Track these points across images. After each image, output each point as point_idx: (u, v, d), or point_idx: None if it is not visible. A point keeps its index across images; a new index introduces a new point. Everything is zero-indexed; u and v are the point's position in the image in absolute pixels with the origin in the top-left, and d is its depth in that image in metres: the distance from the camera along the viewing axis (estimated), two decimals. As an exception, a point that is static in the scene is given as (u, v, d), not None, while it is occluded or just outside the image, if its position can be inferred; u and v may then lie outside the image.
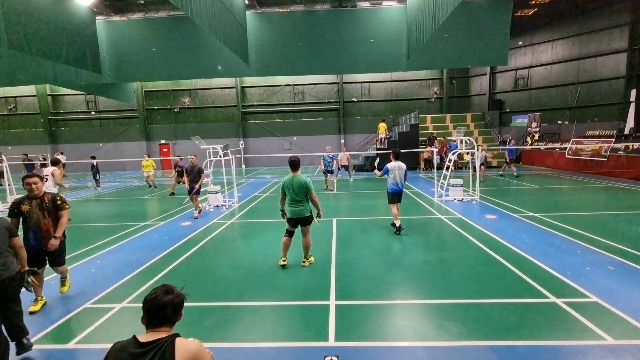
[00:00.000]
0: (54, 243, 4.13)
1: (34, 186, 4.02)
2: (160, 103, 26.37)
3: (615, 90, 19.17)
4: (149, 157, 15.78)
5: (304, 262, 5.47)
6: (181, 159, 14.76)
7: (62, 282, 4.66)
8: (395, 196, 7.13)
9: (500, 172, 16.21)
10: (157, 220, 9.02)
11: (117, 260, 6.02)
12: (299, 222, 5.27)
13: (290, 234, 5.39)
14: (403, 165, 7.04)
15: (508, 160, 15.67)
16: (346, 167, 15.74)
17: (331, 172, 13.30)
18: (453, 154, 10.90)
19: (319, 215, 5.37)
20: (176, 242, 6.93)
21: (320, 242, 6.65)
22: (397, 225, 6.96)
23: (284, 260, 5.40)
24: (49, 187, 9.04)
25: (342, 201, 11.11)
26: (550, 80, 22.01)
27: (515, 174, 15.47)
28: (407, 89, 25.90)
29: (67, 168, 23.17)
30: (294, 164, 5.18)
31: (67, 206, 4.24)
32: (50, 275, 4.91)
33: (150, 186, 15.20)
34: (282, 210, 5.36)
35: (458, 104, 25.93)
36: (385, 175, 7.12)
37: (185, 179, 9.30)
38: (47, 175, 9.22)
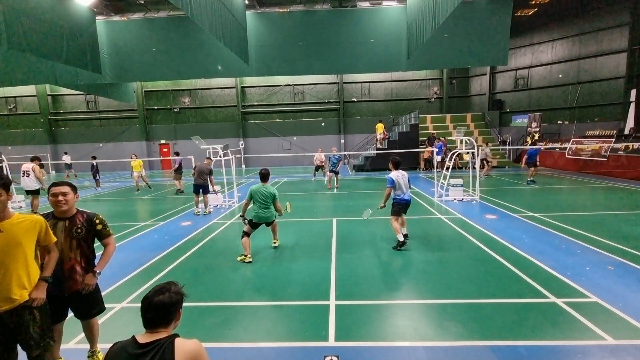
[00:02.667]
0: (91, 282, 2.79)
1: (61, 198, 2.66)
2: (160, 103, 26.37)
3: (615, 90, 19.18)
4: (136, 157, 14.93)
5: (274, 242, 6.44)
6: (177, 153, 14.55)
7: (92, 356, 3.15)
8: (402, 208, 6.31)
9: (529, 179, 13.50)
10: (157, 220, 9.01)
11: (117, 260, 6.00)
12: (266, 224, 6.03)
13: (248, 235, 5.85)
14: (405, 174, 6.43)
15: (524, 164, 13.66)
16: (322, 168, 15.88)
17: (337, 172, 13.27)
18: (452, 154, 10.88)
19: (279, 215, 6.08)
20: (176, 242, 6.93)
21: (320, 242, 6.66)
22: (402, 238, 6.17)
23: (249, 258, 5.72)
24: (32, 184, 9.75)
25: (342, 201, 11.11)
26: (550, 80, 22.02)
27: (529, 178, 13.40)
28: (407, 89, 25.90)
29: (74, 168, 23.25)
30: (265, 176, 5.89)
31: (111, 232, 2.98)
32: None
33: (138, 189, 14.44)
34: (242, 215, 5.87)
35: (458, 104, 25.93)
36: (392, 189, 6.28)
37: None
38: (28, 171, 9.58)
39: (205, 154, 10.72)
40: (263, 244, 6.59)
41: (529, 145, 20.30)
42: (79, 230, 2.75)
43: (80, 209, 2.89)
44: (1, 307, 2.26)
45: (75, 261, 2.76)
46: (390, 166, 6.48)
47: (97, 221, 2.87)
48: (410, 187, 6.49)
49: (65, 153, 23.11)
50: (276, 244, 6.43)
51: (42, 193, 9.52)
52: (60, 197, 2.68)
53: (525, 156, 13.92)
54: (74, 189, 2.80)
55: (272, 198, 5.81)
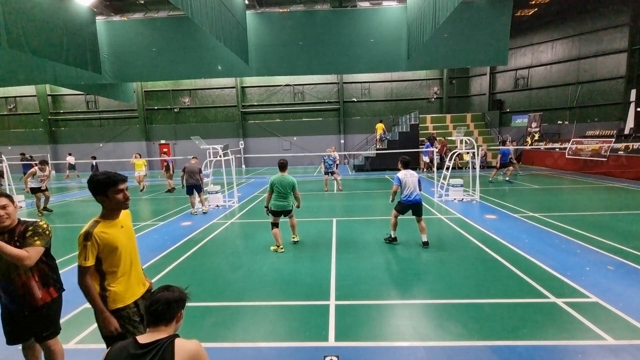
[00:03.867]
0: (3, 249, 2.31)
1: (2, 213, 2.40)
2: (160, 103, 26.37)
3: (615, 90, 19.18)
4: (140, 156, 14.78)
5: (293, 237, 6.61)
6: (164, 152, 15.02)
7: None
8: (409, 207, 6.22)
9: (490, 179, 14.11)
10: (157, 220, 9.01)
11: (117, 260, 6.00)
12: (283, 213, 6.17)
13: (277, 225, 6.22)
14: (415, 174, 6.25)
15: (498, 165, 13.75)
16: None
17: (332, 172, 13.27)
18: (452, 154, 10.87)
19: (297, 206, 6.29)
20: (176, 242, 6.93)
21: (320, 242, 6.66)
22: (394, 235, 6.38)
23: (282, 248, 6.16)
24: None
25: (342, 201, 11.11)
26: (550, 80, 22.02)
27: (507, 178, 13.61)
28: (407, 89, 25.91)
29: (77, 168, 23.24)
30: (283, 166, 6.08)
31: (38, 242, 2.44)
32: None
33: (142, 189, 14.06)
34: (267, 207, 6.13)
35: (458, 104, 25.94)
36: (399, 187, 6.22)
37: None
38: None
39: (206, 153, 10.75)
40: (263, 244, 6.59)
41: (529, 145, 20.33)
42: (17, 244, 2.41)
43: (23, 219, 2.55)
44: (140, 291, 2.49)
45: (27, 276, 2.45)
46: (399, 166, 6.42)
47: (30, 229, 2.45)
48: (420, 189, 6.27)
49: (69, 154, 23.11)
50: (295, 239, 6.58)
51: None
52: (1, 212, 2.39)
53: (500, 156, 13.75)
54: (11, 199, 2.49)
55: (292, 187, 6.01)
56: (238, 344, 3.43)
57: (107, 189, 2.24)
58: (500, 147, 14.43)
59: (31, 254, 2.38)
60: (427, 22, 11.94)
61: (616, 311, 3.78)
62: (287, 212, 6.20)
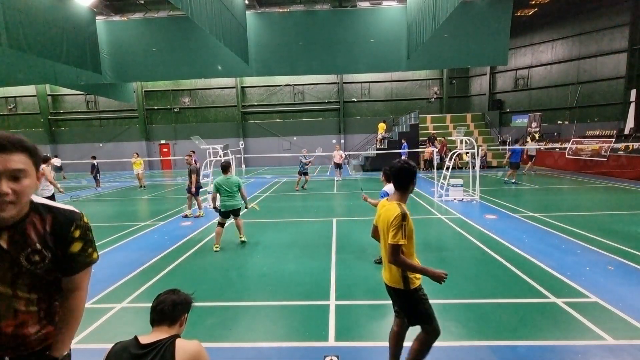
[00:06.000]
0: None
1: (6, 189, 1.14)
2: (160, 103, 26.37)
3: (615, 90, 19.19)
4: (137, 155, 15.86)
5: (240, 237, 6.63)
6: (194, 151, 14.87)
7: None
8: None
9: (506, 179, 14.13)
10: (157, 220, 9.01)
11: (116, 260, 6.01)
12: (232, 213, 6.37)
13: (222, 224, 6.38)
14: None
15: (509, 164, 13.46)
16: (339, 166, 15.90)
17: (305, 173, 13.32)
18: (452, 154, 10.87)
19: (246, 207, 6.54)
20: (176, 242, 6.93)
21: (320, 242, 6.66)
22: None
23: (216, 247, 6.30)
24: (43, 190, 7.32)
25: (341, 201, 11.11)
26: (550, 80, 22.02)
27: (513, 180, 13.32)
28: (407, 89, 25.91)
29: (66, 169, 23.19)
30: (225, 168, 6.34)
31: (94, 253, 1.42)
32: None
33: (141, 186, 15.29)
34: (215, 207, 6.30)
35: (458, 104, 25.94)
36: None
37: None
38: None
39: (206, 154, 10.77)
40: (262, 244, 6.60)
41: (528, 145, 20.30)
42: (36, 257, 1.27)
43: (38, 201, 1.32)
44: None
45: (27, 314, 1.30)
46: (382, 179, 5.43)
47: (77, 233, 1.34)
48: None
49: (56, 156, 22.99)
50: (242, 239, 6.63)
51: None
52: (5, 187, 1.15)
53: (509, 153, 13.59)
54: (36, 156, 1.25)
55: (237, 186, 6.29)
56: (238, 344, 3.43)
57: (415, 177, 2.56)
58: (515, 146, 14.33)
59: (86, 282, 1.45)
60: (427, 22, 11.95)
61: (616, 311, 3.78)
62: (235, 212, 6.40)
